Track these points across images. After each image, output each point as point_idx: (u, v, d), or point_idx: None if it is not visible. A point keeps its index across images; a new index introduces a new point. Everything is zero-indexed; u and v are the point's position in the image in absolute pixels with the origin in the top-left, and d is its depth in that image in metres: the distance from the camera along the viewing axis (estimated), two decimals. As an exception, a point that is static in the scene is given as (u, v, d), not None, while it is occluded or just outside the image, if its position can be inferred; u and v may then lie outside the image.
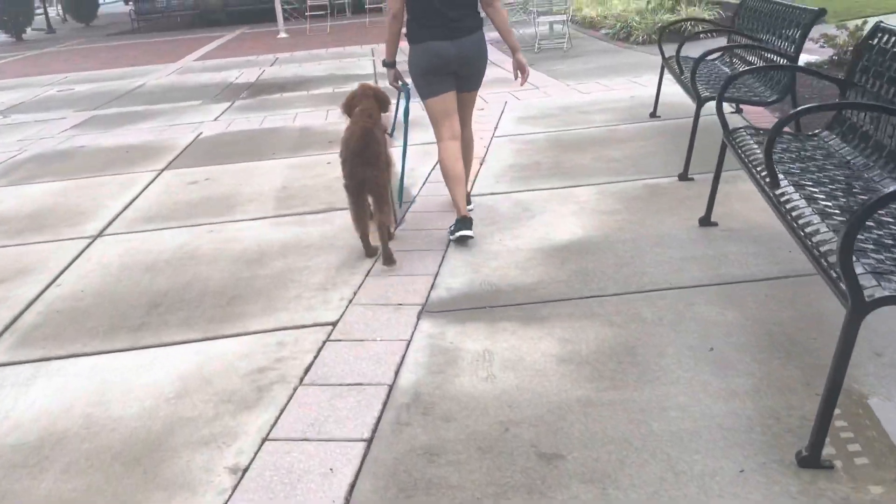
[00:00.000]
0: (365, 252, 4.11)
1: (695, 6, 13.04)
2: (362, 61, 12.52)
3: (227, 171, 6.17)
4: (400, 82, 4.36)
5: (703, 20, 11.60)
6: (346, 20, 21.38)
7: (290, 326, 3.48)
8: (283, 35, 17.79)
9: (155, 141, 7.62)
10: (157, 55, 16.63)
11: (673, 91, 6.74)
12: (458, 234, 4.09)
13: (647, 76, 8.81)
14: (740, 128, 3.87)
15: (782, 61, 4.99)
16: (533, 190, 5.02)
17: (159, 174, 6.25)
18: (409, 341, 3.23)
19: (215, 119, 8.60)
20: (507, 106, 7.85)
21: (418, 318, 3.42)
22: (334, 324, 3.45)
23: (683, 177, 4.92)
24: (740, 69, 5.77)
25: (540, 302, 3.48)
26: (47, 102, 11.08)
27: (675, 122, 6.43)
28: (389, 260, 3.98)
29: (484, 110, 7.69)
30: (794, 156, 3.45)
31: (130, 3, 25.86)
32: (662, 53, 6.62)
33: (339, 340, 3.30)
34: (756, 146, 3.50)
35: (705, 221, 4.15)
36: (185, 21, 25.64)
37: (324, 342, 3.29)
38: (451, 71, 4.12)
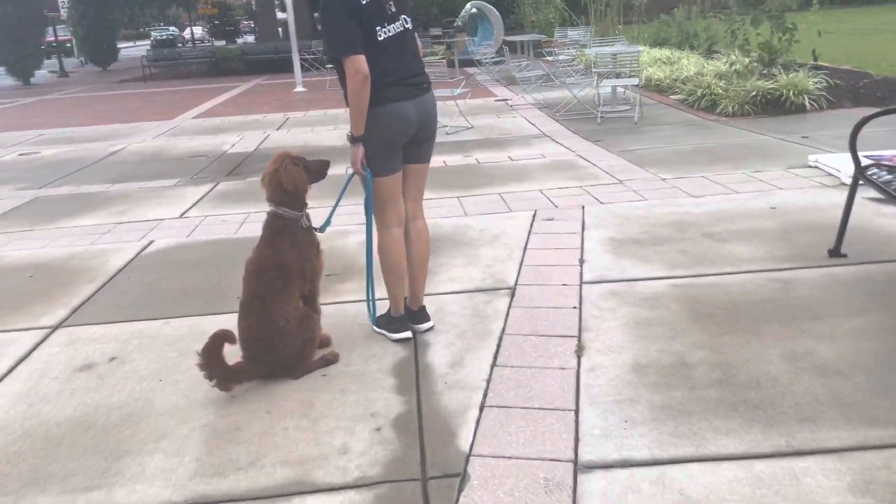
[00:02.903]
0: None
1: (795, 71, 10.66)
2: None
3: (154, 338, 3.78)
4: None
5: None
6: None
7: None
8: (299, 89, 15.71)
9: (82, 255, 5.29)
10: (157, 109, 14.58)
11: (827, 201, 4.30)
12: (399, 335, 3.53)
13: (773, 169, 6.39)
14: None
15: None
16: (703, 459, 2.52)
17: (45, 339, 3.86)
18: None
19: (181, 214, 6.27)
20: (588, 214, 5.43)
21: None
22: None
23: None
24: None
25: None
26: (-5, 172, 8.89)
27: (884, 270, 3.97)
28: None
29: (554, 221, 5.26)
30: None
31: (147, 49, 24.26)
32: (857, 159, 4.16)
33: None
34: None
35: None
36: (201, 69, 23.84)
37: None
38: (408, 139, 3.39)
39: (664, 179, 6.36)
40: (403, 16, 3.35)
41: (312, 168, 3.36)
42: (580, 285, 4.09)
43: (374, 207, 3.46)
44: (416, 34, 3.46)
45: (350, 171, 3.41)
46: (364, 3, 3.17)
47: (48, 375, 3.42)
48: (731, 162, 6.82)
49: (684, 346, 3.31)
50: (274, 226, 3.28)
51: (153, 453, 2.73)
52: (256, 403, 3.05)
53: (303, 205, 3.34)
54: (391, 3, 3.28)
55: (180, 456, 2.70)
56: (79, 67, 31.62)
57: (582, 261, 4.48)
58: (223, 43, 36.16)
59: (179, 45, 39.94)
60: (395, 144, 3.37)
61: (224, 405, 3.05)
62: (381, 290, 3.69)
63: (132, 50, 37.48)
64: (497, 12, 17.86)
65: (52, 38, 29.01)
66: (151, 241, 5.50)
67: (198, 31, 50.73)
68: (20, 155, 10.11)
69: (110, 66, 29.83)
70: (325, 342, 3.50)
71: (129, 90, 19.55)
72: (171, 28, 57.00)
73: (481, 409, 2.90)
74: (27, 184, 8.07)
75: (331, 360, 3.34)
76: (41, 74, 26.35)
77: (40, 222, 6.33)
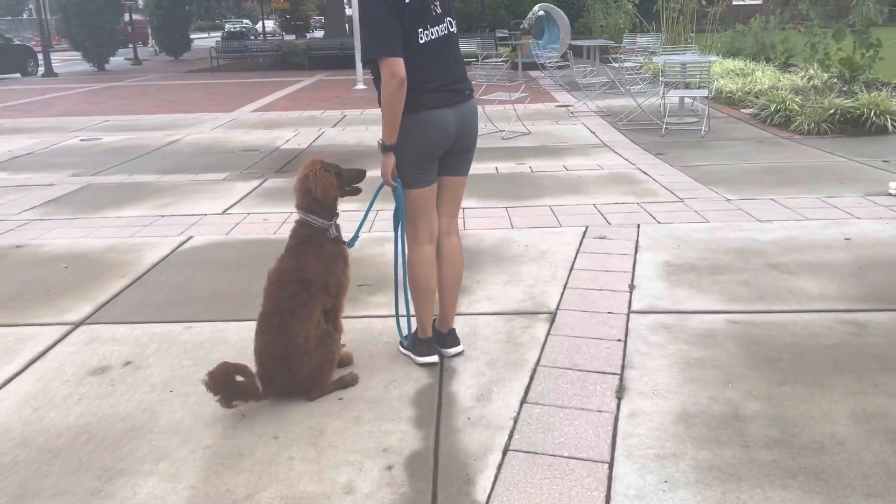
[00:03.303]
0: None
1: (878, 89, 10.03)
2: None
3: (174, 343, 3.62)
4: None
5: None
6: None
7: None
8: (360, 86, 15.63)
9: (119, 247, 5.21)
10: (219, 100, 14.70)
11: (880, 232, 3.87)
12: (425, 359, 3.28)
13: (849, 195, 5.92)
14: None
15: None
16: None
17: (66, 336, 3.75)
18: None
19: (224, 211, 6.16)
20: (643, 235, 5.09)
21: None
22: None
23: None
24: None
25: None
26: (55, 157, 8.99)
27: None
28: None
29: (606, 240, 4.94)
30: None
31: (218, 41, 24.67)
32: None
33: None
34: None
35: None
36: (267, 62, 24.07)
37: None
38: (446, 149, 3.14)
39: (729, 200, 5.95)
40: (449, 18, 3.10)
41: (346, 176, 3.14)
42: (627, 315, 3.77)
43: (404, 221, 3.22)
44: (458, 37, 3.20)
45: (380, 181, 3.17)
46: (407, 1, 2.93)
47: (60, 377, 3.29)
48: (804, 185, 6.36)
49: (739, 394, 2.97)
50: (300, 234, 3.08)
51: (148, 476, 2.55)
52: (264, 426, 2.84)
53: (332, 213, 3.12)
54: (437, 3, 3.04)
55: (175, 482, 2.51)
56: (152, 56, 32.38)
57: (632, 287, 4.15)
58: (293, 37, 36.62)
59: (252, 37, 40.59)
60: (431, 155, 3.13)
61: (231, 425, 2.86)
62: (411, 307, 3.44)
63: (206, 41, 38.22)
64: (565, 16, 17.47)
65: (127, 26, 29.72)
66: (190, 237, 5.39)
67: (270, 24, 51.57)
68: (81, 140, 10.24)
69: (182, 55, 30.46)
70: (346, 361, 3.29)
71: (196, 80, 19.84)
72: (245, 21, 58.09)
73: (504, 452, 2.62)
74: (83, 170, 8.12)
75: (349, 382, 3.12)
76: (116, 61, 27.06)
77: (87, 210, 6.31)
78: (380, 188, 3.24)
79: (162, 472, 2.57)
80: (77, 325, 3.87)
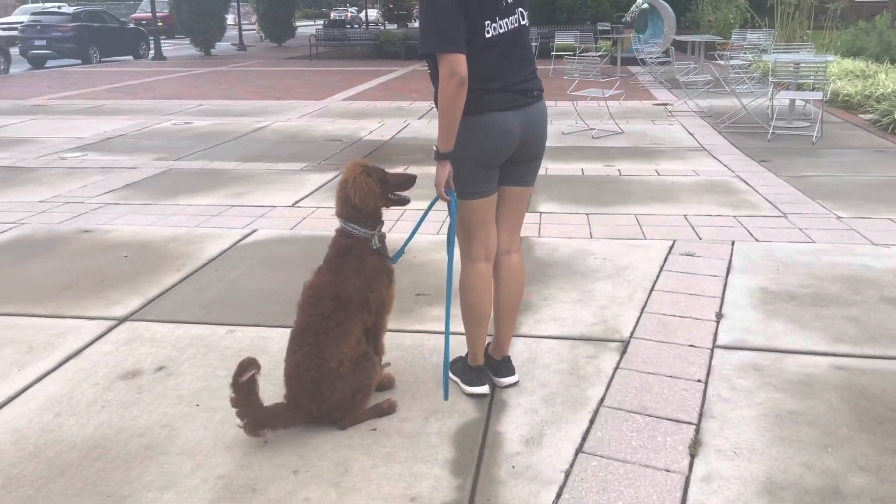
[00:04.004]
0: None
1: None
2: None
3: (212, 348, 3.41)
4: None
5: None
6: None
7: None
8: (452, 78, 15.33)
9: (182, 237, 5.09)
10: (312, 88, 14.75)
11: None
12: (474, 389, 2.94)
13: None
14: None
15: None
16: None
17: (107, 332, 3.60)
18: None
19: (294, 203, 5.99)
20: (737, 254, 4.56)
21: None
22: None
23: None
24: None
25: None
26: (144, 139, 9.13)
27: None
28: None
29: (694, 258, 4.45)
30: None
31: (318, 29, 24.97)
32: None
33: None
34: None
35: None
36: (364, 51, 24.14)
37: None
38: (508, 156, 2.78)
39: (840, 218, 5.31)
40: (520, 9, 2.73)
41: (392, 182, 2.83)
42: (712, 349, 3.30)
43: (458, 236, 2.88)
44: (529, 31, 2.82)
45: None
46: None
47: (90, 379, 3.13)
48: (930, 203, 5.63)
49: (841, 462, 2.48)
50: (340, 245, 2.78)
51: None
52: (285, 457, 2.57)
53: (376, 222, 2.82)
54: None
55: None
56: (257, 42, 33.16)
57: (720, 315, 3.67)
58: (395, 26, 36.76)
59: (355, 26, 41.07)
60: (491, 163, 2.77)
61: (250, 452, 2.60)
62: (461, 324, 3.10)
63: (310, 28, 38.91)
64: (670, 9, 16.61)
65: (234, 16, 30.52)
66: (254, 231, 5.23)
67: (374, 13, 52.07)
68: (173, 124, 10.39)
69: (285, 42, 31.04)
70: (387, 385, 2.98)
71: (293, 67, 20.07)
72: (352, 9, 58.92)
73: (549, 514, 2.25)
74: (167, 154, 8.17)
75: (385, 410, 2.82)
76: (222, 46, 27.82)
77: (161, 196, 6.27)
78: (434, 200, 2.90)
79: (167, 503, 2.33)
80: (121, 320, 3.73)
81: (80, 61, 22.22)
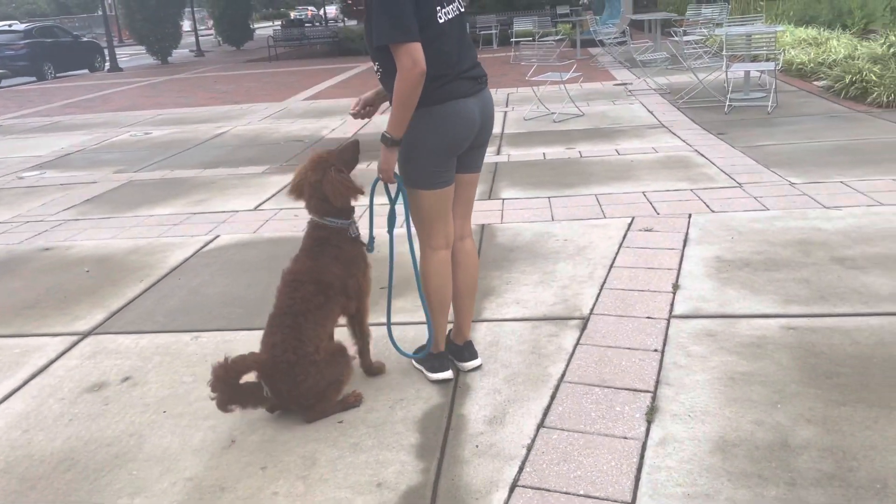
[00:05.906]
0: None
1: (970, 53, 9.15)
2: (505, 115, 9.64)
3: (177, 356, 3.43)
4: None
5: None
6: (490, 53, 18.69)
7: None
8: (412, 71, 15.34)
9: (144, 249, 5.08)
10: (272, 90, 14.69)
11: None
12: (438, 375, 2.99)
13: (940, 179, 5.30)
14: None
15: None
16: None
17: (71, 347, 3.61)
18: None
19: (256, 207, 6.00)
20: (694, 226, 4.66)
21: None
22: None
23: None
24: None
25: None
26: (103, 153, 9.05)
27: None
28: None
29: (652, 233, 4.54)
30: None
31: (275, 29, 24.78)
32: None
33: None
34: None
35: None
36: (324, 49, 24.04)
37: None
38: (469, 143, 2.83)
39: (793, 184, 5.44)
40: None
41: (349, 160, 2.88)
42: (668, 320, 3.39)
43: (418, 226, 2.93)
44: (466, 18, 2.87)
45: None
46: None
47: (56, 395, 3.14)
48: (879, 165, 5.77)
49: (790, 417, 2.58)
50: (317, 237, 2.83)
51: (123, 513, 2.35)
52: (253, 455, 2.61)
53: (350, 211, 2.87)
54: None
55: (151, 518, 2.30)
56: (215, 47, 32.86)
57: (676, 286, 3.76)
58: (355, 23, 36.53)
59: (314, 24, 40.76)
60: (456, 150, 2.81)
61: (218, 454, 2.63)
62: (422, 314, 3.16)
63: (268, 30, 38.58)
64: (625, -11, 16.73)
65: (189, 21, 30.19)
66: (216, 237, 5.23)
67: (332, 10, 51.74)
68: (131, 136, 10.30)
69: (244, 45, 30.79)
70: (379, 370, 3.12)
71: (252, 70, 19.94)
72: (310, 7, 58.46)
73: (511, 489, 2.32)
74: (126, 166, 8.11)
75: (351, 403, 2.86)
76: (179, 54, 27.52)
77: (122, 209, 6.24)
78: (376, 182, 2.91)
79: (139, 512, 2.37)
80: (85, 335, 3.73)
81: (34, 78, 21.89)
